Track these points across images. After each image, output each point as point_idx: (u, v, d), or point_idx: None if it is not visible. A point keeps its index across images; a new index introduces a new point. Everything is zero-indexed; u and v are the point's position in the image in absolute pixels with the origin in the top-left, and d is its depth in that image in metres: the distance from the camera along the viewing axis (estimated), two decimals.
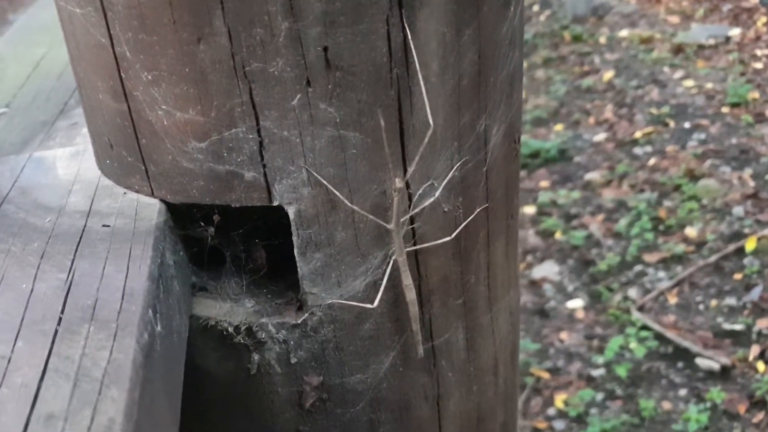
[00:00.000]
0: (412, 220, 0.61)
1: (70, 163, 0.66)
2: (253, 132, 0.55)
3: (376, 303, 0.59)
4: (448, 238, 0.61)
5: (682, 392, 2.17)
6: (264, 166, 0.56)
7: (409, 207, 0.60)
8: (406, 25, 0.53)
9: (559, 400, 2.21)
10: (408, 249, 0.61)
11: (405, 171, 0.58)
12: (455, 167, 0.60)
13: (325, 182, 0.56)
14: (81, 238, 0.56)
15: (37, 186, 0.63)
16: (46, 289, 0.50)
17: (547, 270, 2.70)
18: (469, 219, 0.62)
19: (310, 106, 0.54)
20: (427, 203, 0.60)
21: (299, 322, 0.61)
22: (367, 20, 0.52)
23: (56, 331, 0.46)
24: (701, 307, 2.45)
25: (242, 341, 0.61)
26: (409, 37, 0.53)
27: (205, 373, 0.64)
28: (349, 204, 0.57)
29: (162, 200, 0.60)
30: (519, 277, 0.71)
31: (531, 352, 2.37)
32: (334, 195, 0.57)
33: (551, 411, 2.20)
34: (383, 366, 0.64)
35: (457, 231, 0.62)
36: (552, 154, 3.32)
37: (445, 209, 0.61)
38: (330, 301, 0.61)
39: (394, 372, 0.65)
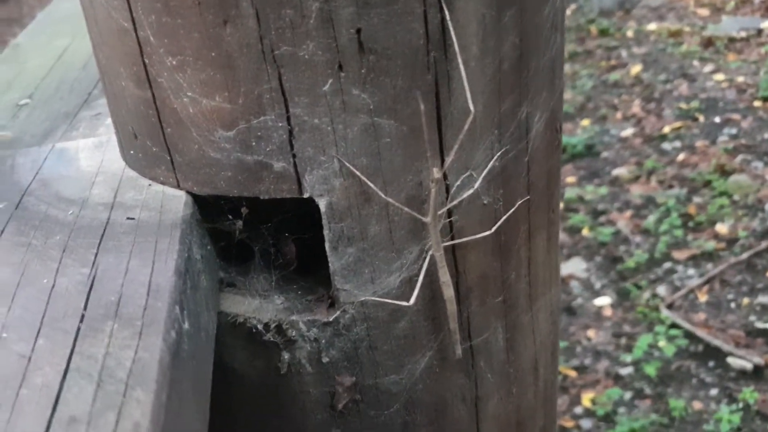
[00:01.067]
0: (449, 213, 0.58)
1: (93, 154, 0.64)
2: (282, 120, 0.52)
3: (412, 300, 0.56)
4: (487, 233, 0.58)
5: (714, 392, 2.13)
6: (294, 155, 0.53)
7: (447, 199, 0.57)
8: (444, 5, 0.50)
9: (587, 398, 2.18)
10: (445, 244, 0.58)
11: (442, 160, 0.55)
12: (495, 157, 0.57)
13: (357, 173, 0.54)
14: (104, 231, 0.53)
15: (59, 178, 0.61)
16: (68, 285, 0.48)
17: (575, 267, 2.66)
18: (510, 212, 0.59)
19: (342, 92, 0.51)
20: (465, 195, 0.57)
21: (331, 319, 0.58)
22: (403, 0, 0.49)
23: (78, 329, 0.44)
24: (732, 305, 2.40)
25: (272, 339, 0.59)
26: (448, 17, 0.50)
27: (233, 371, 0.62)
28: (383, 196, 0.54)
29: (188, 192, 0.57)
30: (560, 273, 0.68)
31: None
32: (368, 186, 0.54)
33: (578, 410, 2.17)
34: (419, 366, 0.61)
35: (498, 225, 0.59)
36: (579, 150, 3.28)
37: (485, 202, 0.58)
38: (363, 298, 0.58)
39: (430, 373, 0.62)
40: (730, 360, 2.20)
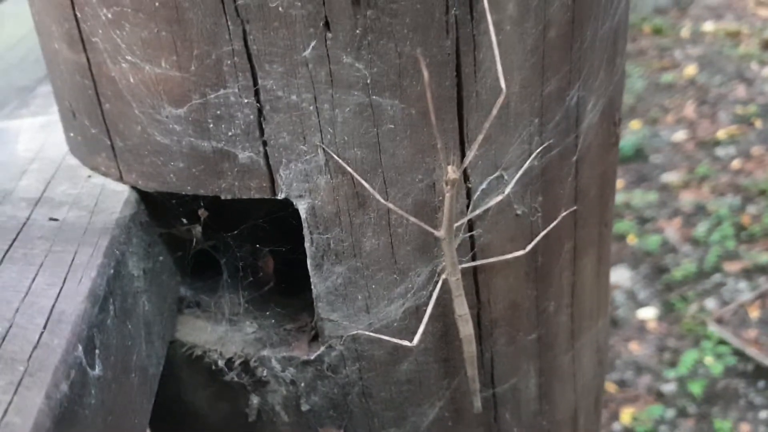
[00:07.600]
0: (470, 226, 0.44)
1: (35, 137, 0.52)
2: (248, 94, 0.39)
3: (415, 340, 0.43)
4: (521, 252, 0.45)
5: (763, 415, 2.03)
6: (264, 143, 0.40)
7: (468, 207, 0.43)
8: None
9: (626, 414, 2.11)
10: (464, 265, 0.44)
11: (462, 156, 0.41)
12: (534, 154, 0.43)
13: (349, 169, 0.40)
14: (18, 235, 0.41)
15: None
16: None
17: (619, 276, 2.57)
18: (551, 226, 0.45)
19: (329, 59, 0.38)
20: (492, 203, 0.43)
21: (312, 357, 0.45)
22: None
23: None
24: None
25: (236, 379, 0.46)
26: None
27: (194, 413, 0.50)
28: (382, 201, 0.41)
29: (133, 187, 0.44)
30: (610, 303, 0.54)
31: None
32: (362, 187, 0.41)
33: (617, 426, 2.10)
34: (426, 419, 0.48)
35: (535, 242, 0.45)
36: (627, 153, 3.18)
37: (518, 212, 0.45)
38: (354, 332, 0.45)
39: (440, 427, 0.49)
40: None
